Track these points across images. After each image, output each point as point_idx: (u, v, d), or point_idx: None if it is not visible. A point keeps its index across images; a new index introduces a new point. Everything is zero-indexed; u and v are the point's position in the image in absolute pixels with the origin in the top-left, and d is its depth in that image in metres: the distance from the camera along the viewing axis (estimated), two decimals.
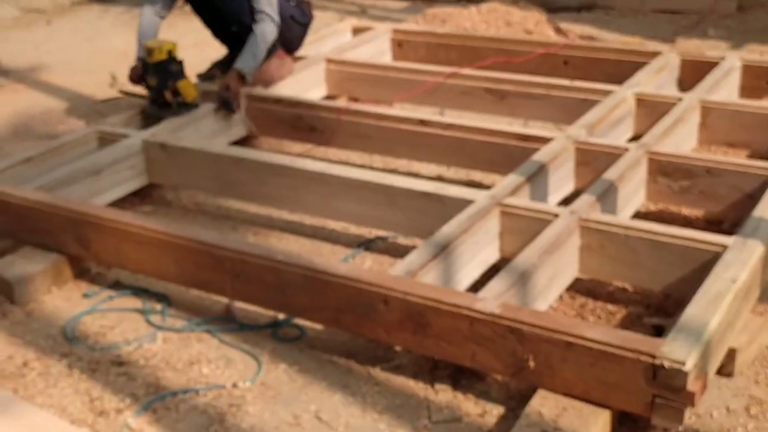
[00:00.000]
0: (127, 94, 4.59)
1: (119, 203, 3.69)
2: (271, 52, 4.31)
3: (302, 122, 4.07)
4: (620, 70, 4.44)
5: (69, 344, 2.88)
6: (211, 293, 2.99)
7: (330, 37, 5.13)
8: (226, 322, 2.94)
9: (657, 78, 4.14)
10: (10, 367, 2.78)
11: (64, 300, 3.15)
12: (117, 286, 3.21)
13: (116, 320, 3.00)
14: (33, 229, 3.25)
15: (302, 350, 2.79)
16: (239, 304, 2.95)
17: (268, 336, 2.87)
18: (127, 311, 3.05)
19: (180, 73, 3.99)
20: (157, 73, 3.96)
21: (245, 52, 4.14)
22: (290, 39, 4.48)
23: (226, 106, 4.04)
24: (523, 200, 3.06)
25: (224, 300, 2.97)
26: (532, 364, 2.34)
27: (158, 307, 3.06)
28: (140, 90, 4.35)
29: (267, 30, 4.16)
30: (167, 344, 2.86)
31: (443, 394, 2.54)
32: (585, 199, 2.99)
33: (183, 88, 3.96)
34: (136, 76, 4.13)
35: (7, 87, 5.48)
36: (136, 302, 3.10)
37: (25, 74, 5.75)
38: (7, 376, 2.73)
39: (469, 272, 2.89)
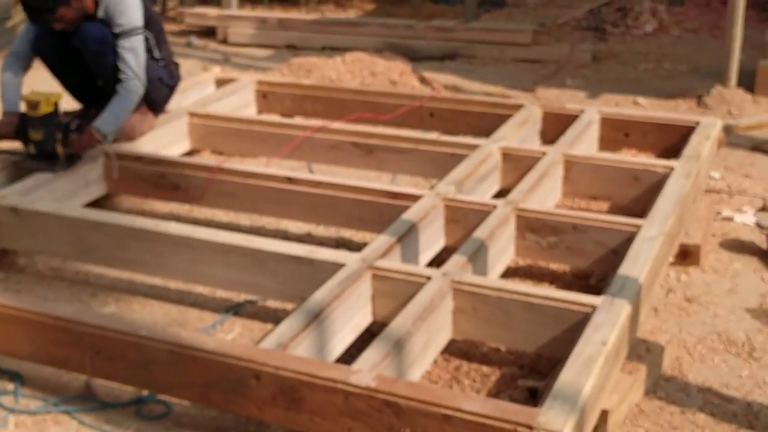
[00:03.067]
0: None
1: None
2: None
3: (165, 180, 3.93)
4: (485, 122, 4.51)
5: None
6: (69, 371, 2.81)
7: (192, 89, 5.00)
8: (86, 401, 2.77)
9: (521, 131, 4.22)
10: None
11: None
12: None
13: None
14: None
15: (169, 429, 2.65)
16: (100, 381, 2.78)
17: (132, 414, 2.72)
18: None
19: (68, 125, 3.83)
20: (44, 126, 3.79)
21: (108, 112, 3.96)
22: (156, 100, 4.32)
23: (69, 160, 3.84)
24: (394, 263, 3.02)
25: (83, 376, 2.79)
26: None
27: (11, 386, 2.85)
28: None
29: (134, 90, 4.00)
30: (20, 429, 2.65)
31: None
32: (456, 260, 2.98)
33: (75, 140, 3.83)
34: (8, 131, 3.92)
35: None
36: None
37: None
38: None
39: (342, 338, 2.82)
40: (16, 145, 4.03)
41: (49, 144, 3.82)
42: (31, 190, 3.66)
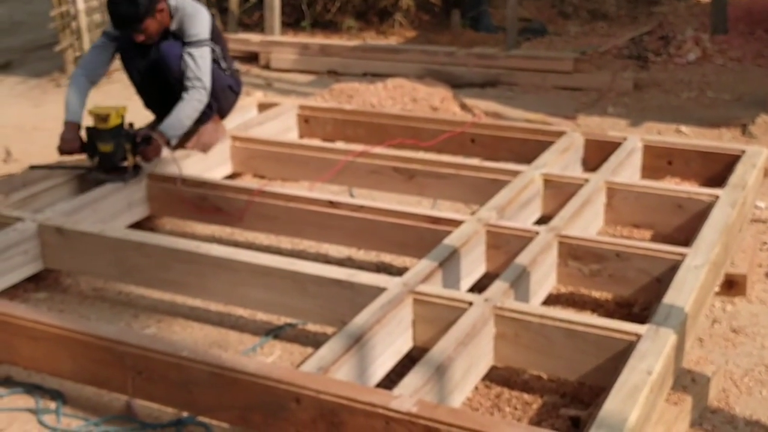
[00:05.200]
0: (39, 167, 4.27)
1: (10, 290, 3.49)
2: (207, 117, 4.34)
3: (207, 203, 3.95)
4: (526, 149, 4.50)
5: None
6: (110, 391, 2.82)
7: (235, 113, 5.01)
8: (127, 421, 2.77)
9: (563, 158, 4.19)
10: None
11: None
12: (7, 383, 2.99)
13: (6, 422, 2.79)
14: None
15: None
16: (140, 402, 2.79)
17: None
18: (18, 411, 2.84)
19: (135, 136, 3.98)
20: (114, 138, 3.92)
21: (172, 117, 4.14)
22: (225, 108, 4.57)
23: (136, 170, 4.00)
24: (435, 287, 3.01)
25: (124, 396, 2.80)
26: None
27: (52, 405, 2.87)
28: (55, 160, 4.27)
29: (199, 99, 4.20)
30: None
31: None
32: (498, 286, 2.95)
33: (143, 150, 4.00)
34: (74, 147, 4.04)
35: None
36: (28, 401, 2.90)
37: None
38: None
39: (382, 363, 2.80)
40: (77, 158, 4.16)
41: (119, 155, 3.95)
42: (76, 211, 3.70)
